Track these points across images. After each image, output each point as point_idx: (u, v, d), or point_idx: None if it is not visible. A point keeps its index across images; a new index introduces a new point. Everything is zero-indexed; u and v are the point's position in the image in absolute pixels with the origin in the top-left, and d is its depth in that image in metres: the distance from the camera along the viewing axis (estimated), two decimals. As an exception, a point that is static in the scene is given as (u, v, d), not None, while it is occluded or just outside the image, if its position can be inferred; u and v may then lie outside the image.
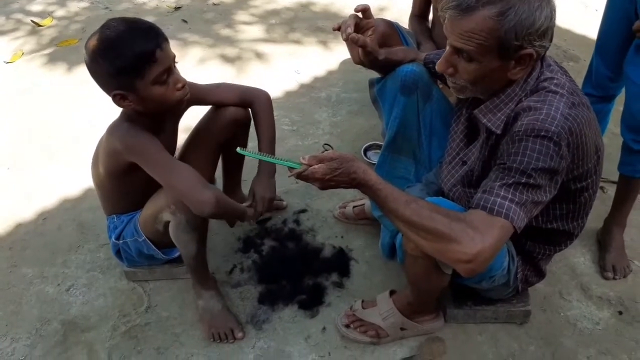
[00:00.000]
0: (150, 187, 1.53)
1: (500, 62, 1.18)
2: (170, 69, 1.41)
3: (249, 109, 1.76)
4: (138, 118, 1.47)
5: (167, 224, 1.53)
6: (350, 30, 1.49)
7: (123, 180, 1.54)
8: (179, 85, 1.43)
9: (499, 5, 1.12)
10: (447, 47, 1.24)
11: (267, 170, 1.72)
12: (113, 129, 1.49)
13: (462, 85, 1.27)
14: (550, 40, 1.20)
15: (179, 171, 1.43)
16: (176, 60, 1.45)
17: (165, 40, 1.39)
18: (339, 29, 1.53)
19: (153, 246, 1.64)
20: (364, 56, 1.56)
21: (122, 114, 1.52)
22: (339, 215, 2.03)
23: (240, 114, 1.75)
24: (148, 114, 1.47)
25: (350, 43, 1.53)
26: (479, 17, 1.13)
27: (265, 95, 1.77)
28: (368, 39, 1.51)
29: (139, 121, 1.48)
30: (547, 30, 1.16)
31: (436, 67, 1.28)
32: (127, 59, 1.32)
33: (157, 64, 1.36)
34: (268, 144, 1.72)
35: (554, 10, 1.17)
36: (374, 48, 1.54)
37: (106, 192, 1.65)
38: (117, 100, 1.40)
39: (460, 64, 1.22)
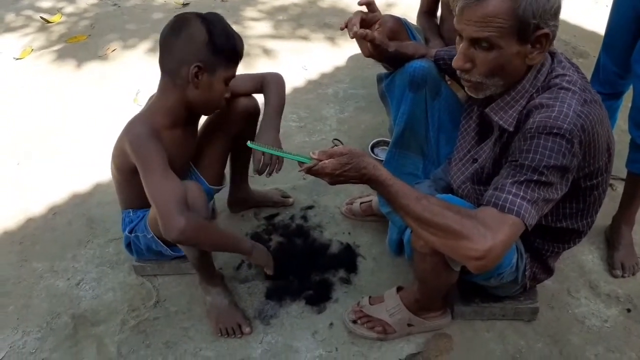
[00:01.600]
0: None
1: (519, 46, 1.17)
2: (233, 78, 1.52)
3: (256, 103, 1.77)
4: (166, 111, 1.50)
5: None
6: (356, 28, 1.49)
7: (134, 178, 1.54)
8: (227, 95, 1.55)
9: None
10: (463, 43, 1.22)
11: (271, 126, 1.63)
12: (128, 129, 1.50)
13: (477, 82, 1.25)
14: (558, 21, 1.20)
15: (163, 189, 1.40)
16: None
17: None
18: (346, 27, 1.54)
19: (161, 242, 1.65)
20: (374, 49, 1.56)
21: (146, 110, 1.53)
22: (346, 211, 2.04)
23: (250, 105, 1.76)
24: (186, 107, 1.51)
25: (359, 39, 1.53)
26: (494, 0, 1.13)
27: (277, 75, 1.77)
28: (376, 32, 1.51)
29: (163, 116, 1.50)
30: (558, 9, 1.17)
31: (453, 63, 1.26)
32: (231, 46, 1.44)
33: (236, 68, 1.50)
34: (274, 109, 1.66)
35: None
36: (383, 41, 1.54)
37: (121, 187, 1.67)
38: (193, 71, 1.42)
39: (478, 56, 1.21)
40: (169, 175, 1.43)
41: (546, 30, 1.16)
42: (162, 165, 1.43)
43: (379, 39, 1.52)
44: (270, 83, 1.73)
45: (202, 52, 1.41)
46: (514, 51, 1.18)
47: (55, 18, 3.50)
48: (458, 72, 1.28)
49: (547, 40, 1.18)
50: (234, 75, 1.51)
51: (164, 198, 1.39)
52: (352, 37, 1.52)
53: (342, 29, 1.57)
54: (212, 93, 1.49)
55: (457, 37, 1.25)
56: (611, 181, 2.09)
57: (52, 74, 2.96)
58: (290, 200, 2.10)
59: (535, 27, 1.15)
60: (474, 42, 1.20)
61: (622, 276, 1.79)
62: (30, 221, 2.07)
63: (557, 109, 1.16)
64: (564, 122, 1.13)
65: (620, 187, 2.01)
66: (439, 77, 1.58)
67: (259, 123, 1.70)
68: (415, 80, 1.56)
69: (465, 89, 1.32)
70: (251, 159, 1.67)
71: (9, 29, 3.42)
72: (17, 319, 1.70)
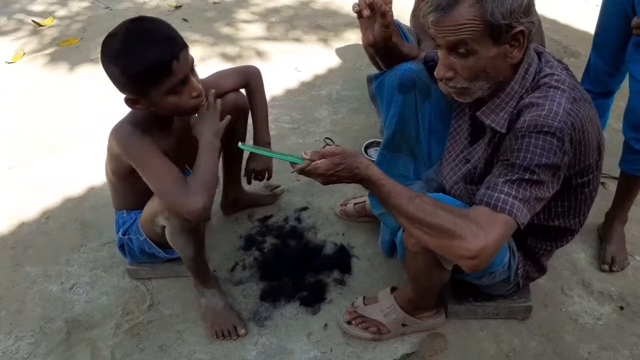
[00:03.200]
0: None
1: (496, 48, 1.18)
2: (186, 78, 1.37)
3: (244, 97, 1.79)
4: (146, 117, 1.46)
5: (164, 227, 1.53)
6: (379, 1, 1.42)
7: (129, 179, 1.54)
8: (194, 93, 1.40)
9: None
10: (441, 52, 1.24)
11: (262, 143, 1.77)
12: (115, 131, 1.48)
13: (463, 87, 1.26)
14: (536, 15, 1.21)
15: (168, 178, 1.39)
16: (195, 63, 1.42)
17: (184, 48, 1.35)
18: (359, 12, 1.46)
19: (154, 245, 1.65)
20: (381, 29, 1.47)
21: (129, 113, 1.51)
22: (340, 212, 2.04)
23: (239, 99, 1.76)
24: (159, 116, 1.47)
25: (366, 21, 1.47)
26: (461, 9, 1.15)
27: (257, 72, 1.81)
28: (388, 6, 1.47)
29: (146, 121, 1.46)
30: (529, 5, 1.17)
31: (435, 74, 1.28)
32: (141, 69, 1.28)
33: (173, 75, 1.32)
34: (265, 126, 1.79)
35: None
36: (391, 22, 1.48)
37: (115, 189, 1.66)
38: (130, 103, 1.39)
39: (457, 63, 1.22)
40: (166, 165, 1.41)
41: (520, 27, 1.17)
42: (158, 157, 1.42)
43: (389, 19, 1.46)
44: (254, 91, 1.78)
45: (123, 87, 1.35)
46: (492, 53, 1.19)
47: (47, 21, 3.50)
48: (443, 81, 1.28)
49: (523, 37, 1.19)
50: (180, 81, 1.35)
51: (173, 185, 1.38)
52: (363, 14, 1.43)
53: (356, 11, 1.45)
54: (167, 107, 1.39)
55: (437, 49, 1.26)
56: (603, 179, 2.10)
57: (44, 78, 2.95)
58: (280, 189, 2.12)
59: (508, 27, 1.16)
60: (452, 49, 1.21)
61: (611, 270, 1.80)
62: (23, 225, 2.06)
63: (547, 107, 1.17)
64: (554, 121, 1.14)
65: (612, 185, 2.03)
66: (429, 79, 1.58)
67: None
68: (405, 82, 1.56)
69: (453, 96, 1.33)
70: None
71: (1, 32, 3.41)
72: (10, 324, 1.69)
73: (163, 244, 1.64)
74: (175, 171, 1.42)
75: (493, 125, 1.28)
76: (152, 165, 1.41)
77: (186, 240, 1.53)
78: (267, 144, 1.80)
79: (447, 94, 1.73)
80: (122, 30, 1.32)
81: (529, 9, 1.17)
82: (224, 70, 1.80)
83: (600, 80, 1.95)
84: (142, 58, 1.28)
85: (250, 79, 1.78)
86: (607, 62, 1.90)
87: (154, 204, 1.51)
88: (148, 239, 1.62)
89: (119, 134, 1.45)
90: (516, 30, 1.16)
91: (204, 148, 1.46)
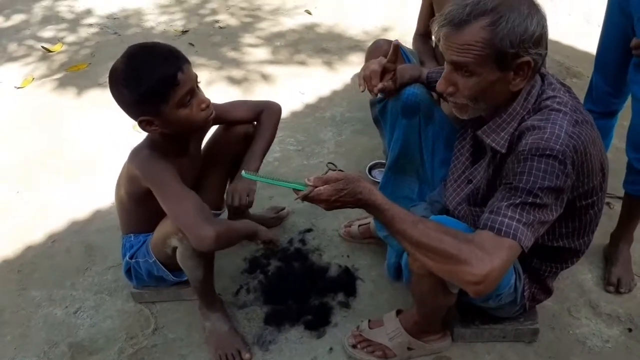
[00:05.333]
0: None
1: (500, 73, 1.19)
2: (193, 90, 1.42)
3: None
4: (163, 142, 1.50)
5: (175, 249, 1.54)
6: (380, 86, 1.52)
7: (143, 203, 1.56)
8: (203, 105, 1.45)
9: (490, 15, 1.15)
10: (445, 67, 1.25)
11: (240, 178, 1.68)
12: (134, 155, 1.52)
13: (463, 104, 1.27)
14: (546, 48, 1.22)
15: (184, 204, 1.44)
16: (198, 80, 1.46)
17: (186, 62, 1.40)
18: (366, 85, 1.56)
19: (163, 267, 1.65)
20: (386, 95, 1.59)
21: (146, 139, 1.54)
22: (344, 234, 2.04)
23: (250, 128, 1.78)
24: (174, 136, 1.50)
25: (362, 78, 1.56)
26: (472, 29, 1.16)
27: (276, 106, 1.80)
28: (391, 83, 1.55)
29: (163, 145, 1.50)
30: (540, 37, 1.18)
31: (437, 87, 1.29)
32: (150, 86, 1.34)
33: (180, 87, 1.37)
34: (257, 151, 1.71)
35: (545, 18, 1.19)
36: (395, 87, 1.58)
37: (126, 212, 1.67)
38: (144, 126, 1.43)
39: (460, 80, 1.23)
40: (185, 190, 1.46)
41: (527, 58, 1.17)
42: (176, 182, 1.47)
43: (395, 87, 1.56)
44: (263, 122, 1.76)
45: (136, 109, 1.40)
46: (494, 78, 1.20)
47: (57, 47, 3.56)
48: (444, 94, 1.30)
49: (529, 68, 1.19)
50: (187, 92, 1.39)
51: (188, 212, 1.42)
52: (375, 94, 1.55)
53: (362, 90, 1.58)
54: (180, 122, 1.43)
55: (445, 63, 1.28)
56: (608, 200, 2.09)
57: (52, 103, 2.99)
58: (284, 211, 2.12)
59: (515, 55, 1.16)
60: (456, 67, 1.22)
61: (618, 292, 1.78)
62: (29, 249, 2.07)
63: (548, 130, 1.17)
64: (556, 144, 1.14)
65: (617, 205, 2.01)
66: (432, 102, 1.60)
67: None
68: (409, 106, 1.58)
69: (453, 110, 1.34)
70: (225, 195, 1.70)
71: (11, 58, 3.47)
72: (14, 349, 1.69)
73: (171, 267, 1.65)
74: (194, 196, 1.46)
75: (493, 144, 1.29)
76: (170, 189, 1.45)
77: (197, 263, 1.54)
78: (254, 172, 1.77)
79: (449, 115, 1.74)
80: (126, 57, 1.38)
81: (540, 41, 1.18)
82: (242, 100, 1.84)
83: (602, 101, 1.96)
84: (149, 75, 1.34)
85: (264, 112, 1.77)
86: (608, 83, 1.91)
87: (168, 225, 1.52)
88: (157, 261, 1.63)
89: (139, 159, 1.49)
90: (522, 60, 1.17)
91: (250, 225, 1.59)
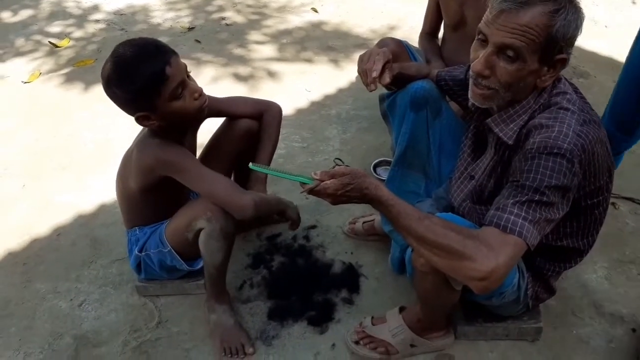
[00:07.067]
0: (179, 198, 1.62)
1: (538, 64, 1.18)
2: (184, 81, 1.44)
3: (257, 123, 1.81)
4: (163, 133, 1.52)
5: (198, 232, 1.55)
6: (376, 84, 1.53)
7: (155, 193, 1.58)
8: (196, 94, 1.48)
9: (553, 3, 1.14)
10: (488, 48, 1.19)
11: (258, 179, 1.78)
12: (143, 146, 1.53)
13: (494, 90, 1.22)
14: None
15: (217, 180, 1.51)
16: (189, 70, 1.48)
17: (173, 54, 1.43)
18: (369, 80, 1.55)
19: (177, 256, 1.65)
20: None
21: (148, 130, 1.56)
22: (348, 231, 2.04)
23: (253, 125, 1.79)
24: (172, 128, 1.52)
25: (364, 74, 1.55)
26: (536, 11, 1.13)
27: (277, 108, 1.83)
28: (387, 77, 1.54)
29: (164, 136, 1.52)
30: (575, 38, 1.18)
31: (472, 67, 1.22)
32: (140, 84, 1.38)
33: (170, 80, 1.40)
34: (266, 156, 1.78)
35: (583, 20, 1.19)
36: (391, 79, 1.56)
37: (134, 205, 1.67)
38: (141, 121, 1.46)
39: (499, 65, 1.18)
40: (207, 169, 1.52)
41: (564, 55, 1.18)
42: (199, 163, 1.54)
43: (390, 80, 1.55)
44: (267, 124, 1.79)
45: (131, 106, 1.43)
46: (533, 68, 1.18)
47: (64, 42, 3.57)
48: (474, 76, 1.24)
49: (562, 66, 1.20)
50: (178, 84, 1.42)
51: (223, 187, 1.51)
52: (368, 83, 1.53)
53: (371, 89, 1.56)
54: (175, 113, 1.45)
55: (476, 41, 1.23)
56: (613, 200, 2.08)
57: (59, 97, 3.01)
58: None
59: (559, 50, 1.17)
60: (500, 49, 1.17)
61: None
62: (35, 242, 2.08)
63: (556, 129, 1.17)
64: (564, 142, 1.14)
65: (622, 205, 2.01)
66: (440, 97, 1.60)
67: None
68: (417, 100, 1.58)
69: (472, 96, 1.28)
70: None
71: (18, 53, 3.49)
72: (19, 340, 1.70)
73: (185, 256, 1.66)
74: (220, 174, 1.54)
75: (501, 135, 1.28)
76: (198, 170, 1.50)
77: (221, 245, 1.56)
78: (263, 180, 1.80)
79: (456, 112, 1.74)
80: (113, 57, 1.41)
81: (574, 41, 1.19)
82: (243, 97, 1.86)
83: (612, 145, 1.96)
84: (138, 73, 1.37)
85: (266, 113, 1.80)
86: (621, 129, 1.91)
87: (196, 207, 1.56)
88: (173, 250, 1.63)
89: (152, 148, 1.51)
90: (561, 56, 1.18)
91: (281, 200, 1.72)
